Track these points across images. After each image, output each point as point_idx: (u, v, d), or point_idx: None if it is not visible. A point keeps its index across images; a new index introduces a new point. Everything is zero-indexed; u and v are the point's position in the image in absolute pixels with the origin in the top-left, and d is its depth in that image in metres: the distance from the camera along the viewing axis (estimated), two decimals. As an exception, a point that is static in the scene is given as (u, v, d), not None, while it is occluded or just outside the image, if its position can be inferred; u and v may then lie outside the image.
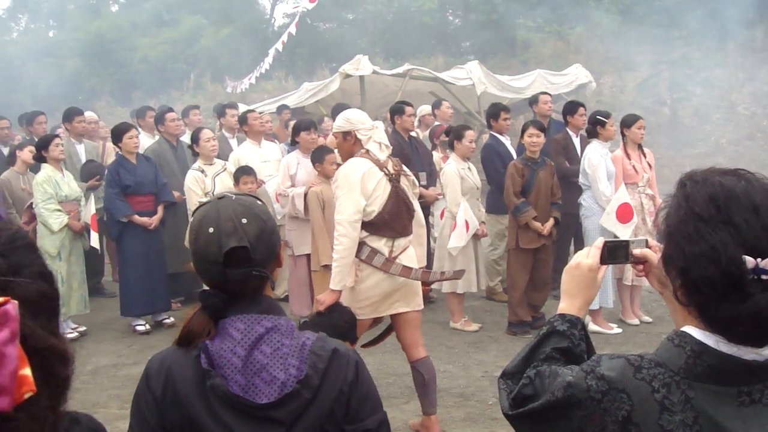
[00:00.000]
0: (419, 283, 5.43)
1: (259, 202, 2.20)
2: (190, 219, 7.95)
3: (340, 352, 2.09)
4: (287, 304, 8.26)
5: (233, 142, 9.96)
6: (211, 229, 2.07)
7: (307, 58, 29.95)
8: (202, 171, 8.13)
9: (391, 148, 5.47)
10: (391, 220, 5.17)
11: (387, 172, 5.19)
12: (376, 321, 5.57)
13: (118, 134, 8.41)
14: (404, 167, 5.52)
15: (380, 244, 5.15)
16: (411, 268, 5.25)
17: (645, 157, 8.25)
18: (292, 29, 18.66)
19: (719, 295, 1.56)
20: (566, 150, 8.88)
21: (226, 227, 2.06)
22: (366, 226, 5.10)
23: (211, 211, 2.12)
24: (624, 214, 7.65)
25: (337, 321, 4.75)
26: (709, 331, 1.61)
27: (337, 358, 2.07)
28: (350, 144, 5.24)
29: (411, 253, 5.36)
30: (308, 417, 1.99)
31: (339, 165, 8.06)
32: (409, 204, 5.33)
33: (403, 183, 5.33)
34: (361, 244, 5.10)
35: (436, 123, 10.60)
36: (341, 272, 5.00)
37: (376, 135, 5.24)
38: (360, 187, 5.02)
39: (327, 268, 7.58)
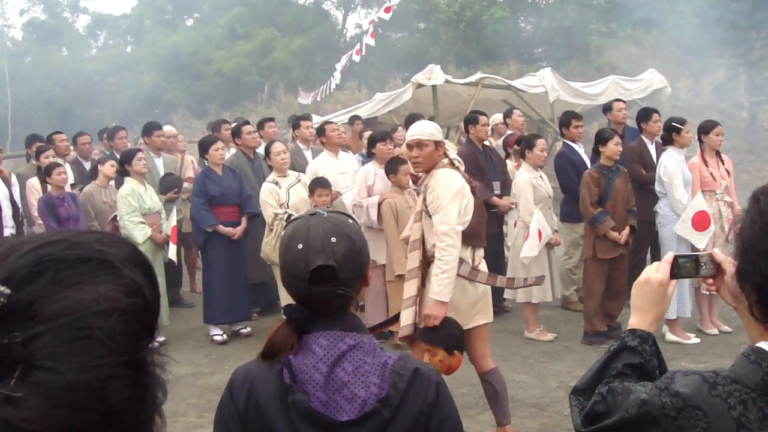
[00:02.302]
0: (491, 294, 5.43)
1: (351, 221, 2.20)
2: (266, 231, 8.09)
3: (422, 372, 2.08)
4: (363, 314, 8.31)
5: (308, 153, 10.04)
6: (300, 246, 2.08)
7: (379, 68, 30.11)
8: (276, 183, 8.21)
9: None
10: (480, 230, 5.20)
11: (469, 182, 5.19)
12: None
13: (204, 146, 8.66)
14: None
15: (465, 253, 5.13)
16: (496, 276, 5.27)
17: (723, 163, 8.09)
18: (369, 40, 18.60)
19: (796, 312, 1.55)
20: (642, 157, 8.75)
21: (315, 245, 2.07)
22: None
23: (302, 227, 2.13)
24: (700, 222, 7.53)
25: (455, 332, 4.79)
26: (786, 347, 1.60)
27: (419, 377, 2.06)
28: (440, 154, 5.14)
29: (484, 263, 5.38)
30: None
31: (414, 175, 8.15)
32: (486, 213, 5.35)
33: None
34: None
35: (509, 132, 10.57)
36: (451, 283, 4.93)
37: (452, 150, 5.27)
38: (461, 198, 4.99)
39: (401, 278, 7.62)
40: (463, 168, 5.25)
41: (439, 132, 5.20)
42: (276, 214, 7.91)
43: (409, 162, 8.15)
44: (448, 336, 4.74)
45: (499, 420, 5.45)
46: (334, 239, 2.09)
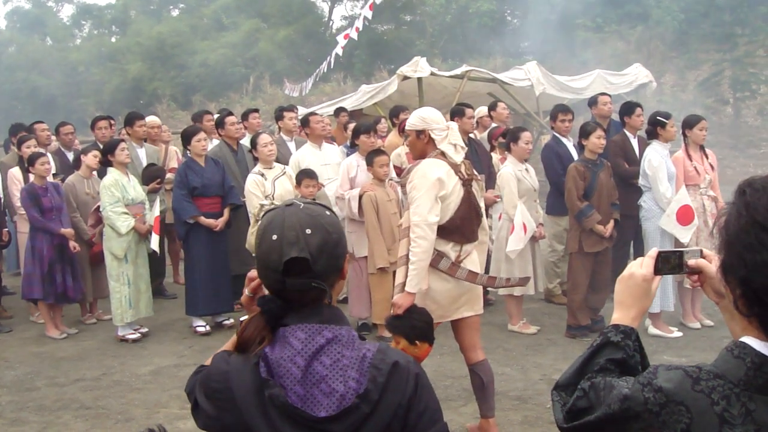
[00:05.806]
0: (481, 286, 5.40)
1: (328, 213, 2.16)
2: (251, 222, 8.06)
3: (401, 366, 2.04)
4: (346, 306, 8.29)
5: (291, 145, 9.98)
6: (274, 237, 2.05)
7: (365, 60, 30.07)
8: (262, 175, 8.18)
9: (466, 149, 5.35)
10: (462, 226, 5.11)
11: (461, 176, 5.09)
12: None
13: (187, 137, 8.61)
14: (474, 171, 5.38)
15: (447, 248, 5.09)
16: (477, 274, 5.20)
17: (707, 158, 8.11)
18: (353, 34, 18.57)
19: (782, 306, 1.54)
20: (624, 151, 8.76)
21: (289, 236, 2.04)
22: (436, 229, 5.02)
23: (277, 217, 2.09)
24: (684, 216, 7.55)
25: (417, 322, 4.77)
26: (770, 341, 1.59)
27: (397, 371, 2.03)
28: (423, 143, 5.10)
29: (474, 258, 5.31)
30: (365, 431, 1.98)
31: (398, 167, 8.13)
32: (479, 210, 5.26)
33: (474, 188, 5.23)
34: None
35: (494, 125, 10.55)
36: (419, 275, 4.92)
37: (451, 136, 5.13)
38: (437, 189, 4.93)
39: (382, 270, 7.61)
40: (458, 159, 5.12)
41: (425, 121, 5.09)
42: (262, 205, 7.87)
43: (387, 153, 8.17)
44: (410, 326, 4.71)
45: (484, 412, 5.44)
46: (308, 231, 2.05)
